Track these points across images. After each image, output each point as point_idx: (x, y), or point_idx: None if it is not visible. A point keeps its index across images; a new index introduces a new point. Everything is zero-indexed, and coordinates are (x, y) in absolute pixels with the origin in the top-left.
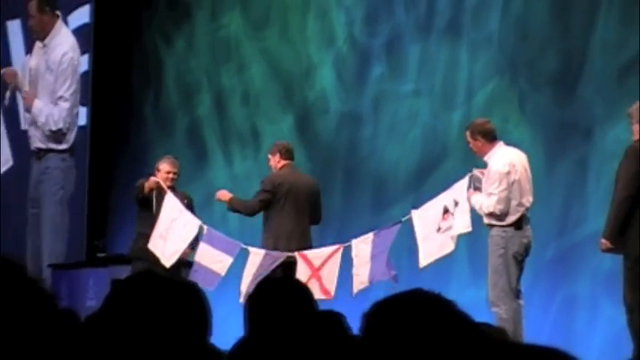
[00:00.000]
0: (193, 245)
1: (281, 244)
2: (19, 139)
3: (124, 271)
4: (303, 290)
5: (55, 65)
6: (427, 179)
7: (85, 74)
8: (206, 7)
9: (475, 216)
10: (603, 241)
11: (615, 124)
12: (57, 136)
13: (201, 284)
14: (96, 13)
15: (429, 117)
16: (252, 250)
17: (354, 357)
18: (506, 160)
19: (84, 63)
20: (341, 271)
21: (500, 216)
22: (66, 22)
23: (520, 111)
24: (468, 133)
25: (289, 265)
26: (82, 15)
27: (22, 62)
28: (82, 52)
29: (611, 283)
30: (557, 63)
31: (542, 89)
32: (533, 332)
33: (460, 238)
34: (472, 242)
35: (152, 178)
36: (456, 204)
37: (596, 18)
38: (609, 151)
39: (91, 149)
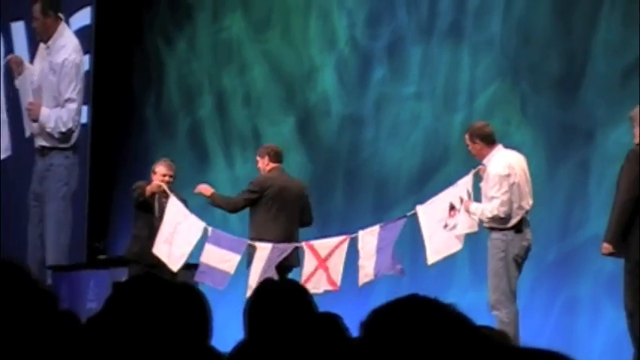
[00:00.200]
0: None
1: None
2: (20, 129)
3: (124, 273)
4: (302, 292)
5: (59, 67)
6: (429, 182)
7: (86, 75)
8: (207, 9)
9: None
10: (605, 244)
11: (617, 127)
12: (66, 136)
13: (210, 284)
14: (97, 15)
15: (430, 119)
16: (258, 245)
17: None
18: (505, 163)
19: (85, 63)
20: (346, 263)
21: (504, 219)
22: (68, 24)
23: (522, 113)
24: (466, 137)
25: (284, 270)
26: (83, 17)
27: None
28: (84, 53)
29: (612, 285)
30: (559, 65)
31: (544, 92)
32: (535, 335)
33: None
34: (473, 245)
35: (155, 182)
36: (462, 201)
37: (598, 20)
38: (611, 154)
39: (92, 151)
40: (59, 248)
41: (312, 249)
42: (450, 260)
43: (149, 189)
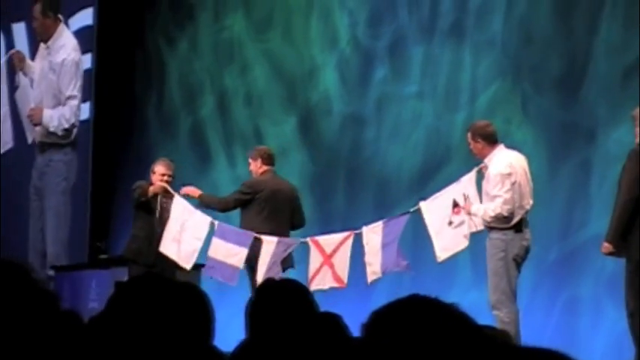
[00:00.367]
0: None
1: (258, 248)
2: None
3: (126, 273)
4: (304, 292)
5: (58, 66)
6: (430, 181)
7: (87, 74)
8: (209, 9)
9: None
10: (605, 244)
11: (618, 127)
12: (69, 132)
13: (220, 279)
14: (99, 15)
15: (432, 119)
16: (265, 238)
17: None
18: (506, 162)
19: (86, 61)
20: (350, 261)
21: (508, 217)
22: (68, 24)
23: (523, 113)
24: (469, 135)
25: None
26: (83, 17)
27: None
28: (85, 51)
29: (614, 285)
30: (560, 65)
31: (545, 91)
32: (536, 335)
33: None
34: (475, 245)
35: (158, 184)
36: (466, 199)
37: (599, 21)
38: (612, 154)
39: (94, 151)
40: (59, 241)
41: (317, 245)
42: (451, 260)
43: (152, 190)
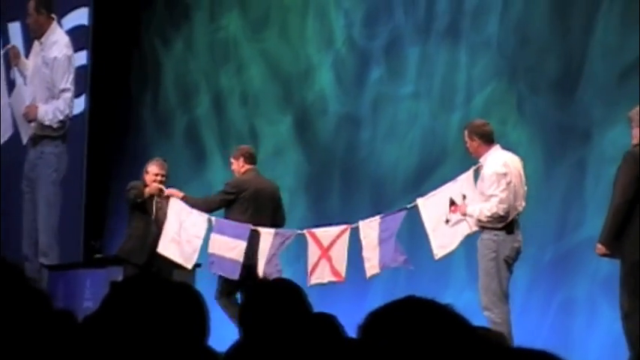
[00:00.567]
0: None
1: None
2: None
3: (120, 273)
4: (297, 292)
5: (51, 61)
6: (426, 181)
7: (81, 71)
8: (205, 8)
9: None
10: (599, 245)
11: (614, 128)
12: (64, 124)
13: (222, 274)
14: (95, 15)
15: (427, 119)
16: (262, 230)
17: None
18: (501, 162)
19: (82, 58)
20: (351, 253)
21: (504, 217)
22: (61, 24)
23: (518, 113)
24: (465, 133)
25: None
26: (77, 17)
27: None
28: (80, 49)
29: (609, 286)
30: (556, 66)
31: (541, 92)
32: (531, 336)
33: None
34: (469, 245)
35: (154, 185)
36: (464, 198)
37: (595, 22)
38: (608, 155)
39: (89, 149)
40: (50, 228)
41: (315, 237)
42: (446, 260)
43: (147, 191)
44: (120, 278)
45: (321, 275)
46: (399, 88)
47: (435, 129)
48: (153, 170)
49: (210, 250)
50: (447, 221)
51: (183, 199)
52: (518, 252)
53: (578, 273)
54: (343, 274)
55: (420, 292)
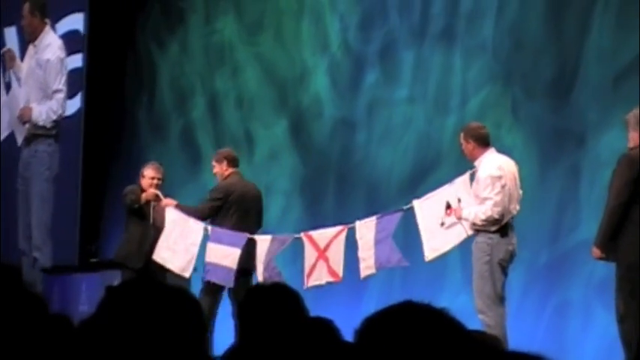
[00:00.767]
0: None
1: (251, 250)
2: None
3: (116, 276)
4: (294, 296)
5: (44, 63)
6: (420, 185)
7: (75, 73)
8: (200, 12)
9: None
10: (594, 248)
11: (609, 131)
12: (57, 123)
13: (217, 281)
14: (90, 18)
15: (422, 123)
16: (258, 238)
17: None
18: (496, 165)
19: (76, 61)
20: (346, 255)
21: (499, 219)
22: (55, 29)
23: (513, 117)
24: (461, 135)
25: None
26: (71, 22)
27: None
28: (75, 52)
29: (604, 289)
30: (551, 69)
31: (536, 95)
32: (526, 339)
33: None
34: (465, 248)
35: (151, 190)
36: (459, 201)
37: (590, 25)
38: (602, 158)
39: (84, 152)
40: (42, 224)
41: (311, 240)
42: (441, 263)
43: (144, 196)
44: (116, 282)
45: (319, 277)
46: (394, 91)
47: (430, 133)
48: (149, 174)
49: (207, 259)
50: (442, 224)
51: (177, 207)
52: (512, 255)
53: (573, 276)
54: (340, 274)
55: (416, 296)
